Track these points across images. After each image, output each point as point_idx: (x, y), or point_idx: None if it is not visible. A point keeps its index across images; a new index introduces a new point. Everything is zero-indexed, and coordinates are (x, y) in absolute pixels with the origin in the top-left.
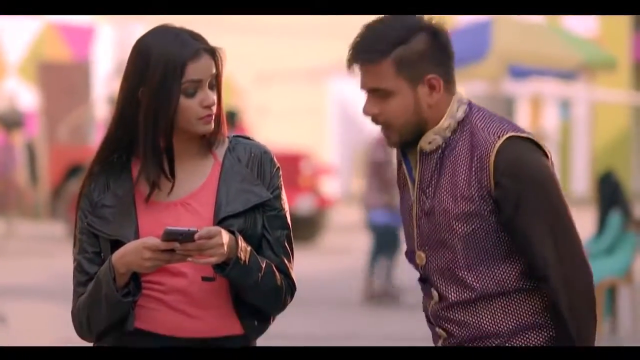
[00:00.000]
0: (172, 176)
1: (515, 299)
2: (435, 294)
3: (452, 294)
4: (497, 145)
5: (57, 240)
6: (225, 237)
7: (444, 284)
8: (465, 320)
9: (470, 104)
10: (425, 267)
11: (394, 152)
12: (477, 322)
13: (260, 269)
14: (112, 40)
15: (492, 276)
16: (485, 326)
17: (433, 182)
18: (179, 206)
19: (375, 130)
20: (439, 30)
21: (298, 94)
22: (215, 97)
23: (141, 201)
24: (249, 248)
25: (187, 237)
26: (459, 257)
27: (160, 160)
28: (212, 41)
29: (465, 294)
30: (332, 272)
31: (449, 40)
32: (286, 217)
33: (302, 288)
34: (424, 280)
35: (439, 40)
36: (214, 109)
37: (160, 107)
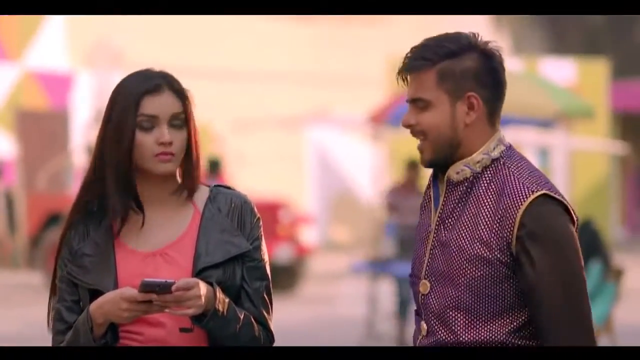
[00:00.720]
0: (140, 209)
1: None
2: (424, 327)
3: (442, 333)
4: (528, 200)
5: (35, 289)
6: (203, 288)
7: (436, 320)
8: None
9: (509, 147)
10: (426, 297)
11: (405, 198)
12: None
13: (239, 321)
14: (91, 88)
15: (486, 325)
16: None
17: (455, 215)
18: (158, 256)
19: (351, 178)
20: (493, 54)
21: (276, 142)
22: (178, 137)
23: (121, 250)
24: (227, 300)
25: (164, 288)
26: (460, 298)
27: (125, 196)
28: (188, 87)
29: (455, 336)
30: (312, 322)
31: (500, 66)
32: (265, 268)
33: (281, 338)
34: (418, 313)
35: (489, 63)
36: (173, 148)
37: (118, 141)
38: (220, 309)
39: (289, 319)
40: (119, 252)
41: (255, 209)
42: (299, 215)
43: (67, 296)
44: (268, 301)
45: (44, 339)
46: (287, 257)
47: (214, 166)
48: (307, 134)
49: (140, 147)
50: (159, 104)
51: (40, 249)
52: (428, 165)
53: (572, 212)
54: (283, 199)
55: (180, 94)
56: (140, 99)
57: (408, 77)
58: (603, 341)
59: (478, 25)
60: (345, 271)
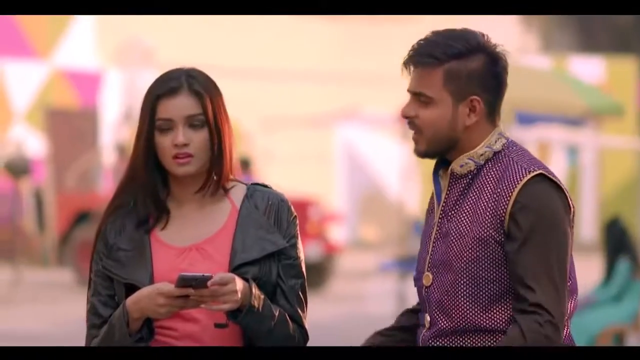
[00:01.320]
0: (165, 210)
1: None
2: (427, 319)
3: (443, 321)
4: (526, 178)
5: (65, 287)
6: (239, 284)
7: (437, 310)
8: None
9: (510, 140)
10: (429, 289)
11: None
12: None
13: (274, 317)
14: (120, 86)
15: (485, 312)
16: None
17: (457, 206)
18: (194, 251)
19: (380, 177)
20: (499, 58)
21: (304, 140)
22: (197, 137)
23: (156, 245)
24: (262, 296)
25: (200, 283)
26: (459, 282)
27: (150, 194)
28: (219, 86)
29: (455, 324)
30: (341, 320)
31: (505, 69)
32: (301, 266)
33: (312, 335)
34: (422, 307)
35: (495, 67)
36: (192, 149)
37: (138, 140)
38: (256, 305)
39: (318, 317)
40: (154, 247)
41: (292, 208)
42: (328, 214)
43: (103, 290)
44: (303, 299)
45: (73, 336)
46: (316, 255)
47: (244, 165)
48: (336, 132)
49: (161, 149)
50: (173, 107)
51: (70, 247)
52: (421, 155)
53: (568, 197)
54: (312, 197)
55: (198, 95)
56: (156, 103)
57: (412, 67)
58: (632, 339)
59: (507, 24)
60: (374, 269)
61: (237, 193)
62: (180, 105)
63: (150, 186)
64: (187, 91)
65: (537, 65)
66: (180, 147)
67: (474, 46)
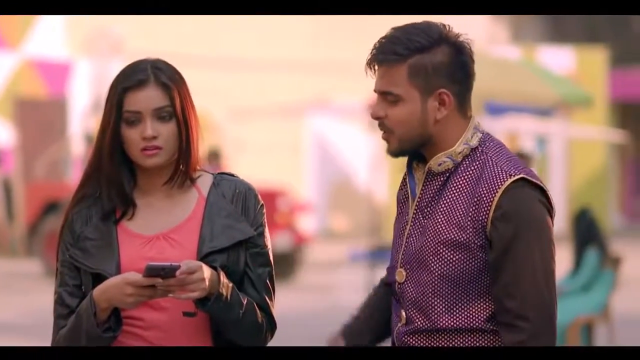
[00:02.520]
0: (126, 205)
1: (481, 339)
2: (403, 315)
3: (420, 320)
4: (506, 183)
5: (34, 277)
6: (207, 272)
7: (413, 308)
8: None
9: (485, 134)
10: (402, 285)
11: None
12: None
13: (242, 306)
14: (89, 76)
15: (463, 311)
16: None
17: (433, 203)
18: (162, 240)
19: (350, 166)
20: (463, 47)
21: (274, 130)
22: (165, 129)
23: (123, 234)
24: (230, 284)
25: (169, 272)
26: (436, 283)
27: (113, 187)
28: (187, 76)
29: (432, 323)
30: (311, 310)
31: (471, 58)
32: (269, 255)
33: (282, 326)
34: (397, 300)
35: (460, 57)
36: (160, 141)
37: (104, 131)
38: (224, 292)
39: (288, 307)
40: (121, 236)
41: (259, 196)
42: (298, 204)
43: (69, 280)
44: (271, 288)
45: (42, 326)
46: (285, 245)
47: (214, 156)
48: (306, 122)
49: (128, 142)
50: (141, 99)
51: (39, 237)
52: (394, 156)
53: (549, 198)
54: (282, 187)
55: (166, 87)
56: (124, 95)
57: (376, 67)
58: (601, 330)
59: (476, 15)
60: (344, 259)
61: (204, 182)
62: (148, 98)
63: (116, 179)
64: (154, 83)
65: (506, 56)
66: (149, 139)
67: (436, 38)
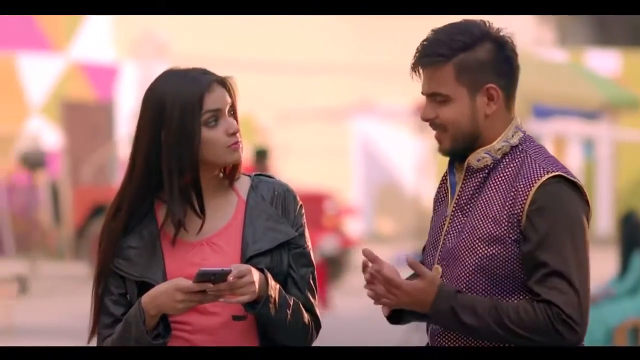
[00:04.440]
0: (203, 213)
1: None
2: None
3: None
4: (543, 179)
5: (81, 280)
6: (256, 275)
7: None
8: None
9: (526, 134)
10: None
11: None
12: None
13: (289, 307)
14: (136, 79)
15: None
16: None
17: (472, 201)
18: (205, 245)
19: (396, 170)
20: (505, 42)
21: (320, 133)
22: (238, 126)
23: (166, 242)
24: (278, 286)
25: (220, 277)
26: (470, 277)
27: (188, 198)
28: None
29: None
30: (358, 313)
31: (514, 52)
32: (310, 255)
33: (330, 329)
34: None
35: (504, 52)
36: (239, 136)
37: (184, 145)
38: (273, 294)
39: (335, 310)
40: (165, 243)
41: (297, 197)
42: (344, 207)
43: (114, 289)
44: (314, 287)
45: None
46: (332, 249)
47: (262, 155)
48: (352, 126)
49: (212, 143)
50: (218, 99)
51: (86, 240)
52: (447, 154)
53: (586, 197)
54: (328, 191)
55: (226, 85)
56: (202, 98)
57: (421, 70)
58: None
59: (522, 17)
60: (390, 263)
61: (242, 185)
62: (222, 96)
63: (197, 186)
64: (218, 83)
65: (553, 59)
66: (234, 135)
67: (478, 35)
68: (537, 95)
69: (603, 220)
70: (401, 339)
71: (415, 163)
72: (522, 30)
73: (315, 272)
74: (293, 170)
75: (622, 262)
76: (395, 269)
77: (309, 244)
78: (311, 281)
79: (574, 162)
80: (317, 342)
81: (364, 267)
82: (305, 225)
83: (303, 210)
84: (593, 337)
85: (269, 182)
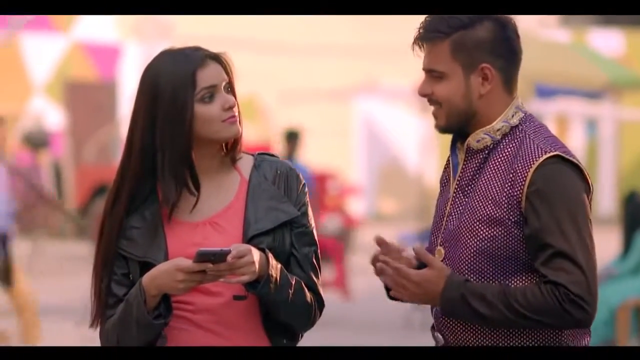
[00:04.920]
0: (197, 190)
1: None
2: None
3: None
4: (541, 159)
5: (84, 259)
6: (256, 255)
7: None
8: (462, 329)
9: (527, 114)
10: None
11: None
12: (472, 334)
13: (291, 286)
14: (139, 59)
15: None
16: (480, 339)
17: (473, 181)
18: (207, 225)
19: (399, 150)
20: (507, 22)
21: (324, 114)
22: (235, 101)
23: (168, 222)
24: (279, 265)
25: (219, 257)
26: (471, 259)
27: (181, 176)
28: (236, 60)
29: None
30: (360, 293)
31: (515, 34)
32: (313, 234)
33: (332, 310)
34: None
35: (503, 32)
36: (236, 110)
37: (175, 121)
38: (274, 274)
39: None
40: (166, 223)
41: (300, 176)
42: (347, 187)
43: (117, 269)
44: (317, 266)
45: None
46: (335, 228)
47: (293, 137)
48: (355, 106)
49: (208, 119)
50: (212, 75)
51: (89, 219)
52: (441, 131)
53: (587, 176)
54: (331, 170)
55: (221, 62)
56: (195, 74)
57: (424, 45)
58: None
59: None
60: (394, 242)
61: (245, 164)
62: (217, 72)
63: (190, 164)
64: (213, 60)
65: (556, 39)
66: (229, 109)
67: (479, 15)
68: (539, 75)
69: (605, 200)
70: (403, 317)
71: (418, 143)
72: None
73: (319, 250)
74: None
75: (625, 242)
76: (408, 260)
77: (312, 222)
78: (314, 260)
79: (576, 142)
80: (323, 323)
81: (374, 260)
82: (308, 204)
83: (306, 189)
84: (596, 317)
85: (272, 161)
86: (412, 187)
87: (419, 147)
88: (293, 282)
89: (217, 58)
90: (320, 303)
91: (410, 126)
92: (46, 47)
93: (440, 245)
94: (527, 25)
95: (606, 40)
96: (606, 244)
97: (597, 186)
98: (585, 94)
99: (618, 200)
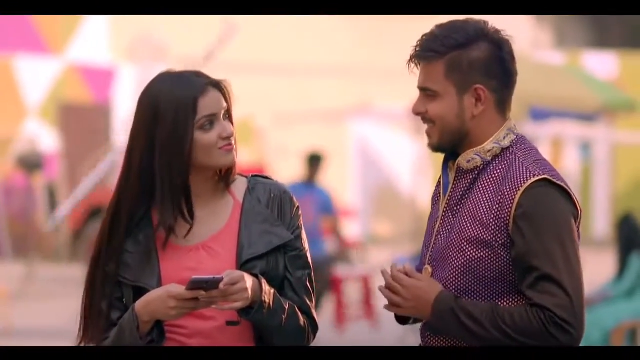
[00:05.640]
0: (191, 218)
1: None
2: None
3: None
4: (529, 182)
5: (78, 282)
6: (249, 281)
7: None
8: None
9: (519, 136)
10: None
11: None
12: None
13: (284, 311)
14: (133, 81)
15: None
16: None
17: (462, 201)
18: (201, 250)
19: (393, 172)
20: (503, 44)
21: (318, 135)
22: (232, 129)
23: (162, 246)
24: (272, 290)
25: (212, 285)
26: (458, 279)
27: (178, 202)
28: (231, 81)
29: None
30: (355, 315)
31: (511, 55)
32: (307, 257)
33: (327, 331)
34: None
35: (498, 53)
36: (233, 140)
37: (175, 147)
38: (267, 300)
39: (333, 312)
40: (160, 248)
41: (295, 199)
42: (341, 209)
43: (110, 293)
44: (311, 289)
45: None
46: (330, 251)
47: (315, 160)
48: (349, 128)
49: (202, 147)
50: (213, 103)
51: (83, 242)
52: (434, 149)
53: (575, 200)
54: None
55: (221, 89)
56: (196, 102)
57: (419, 65)
58: None
59: (520, 20)
60: (387, 265)
61: (239, 187)
62: (217, 99)
63: (186, 190)
64: (213, 86)
65: (550, 61)
66: (227, 138)
67: (474, 35)
68: (534, 97)
69: (600, 222)
70: (397, 339)
71: (413, 165)
72: (519, 32)
73: (312, 273)
74: (290, 172)
75: (620, 265)
76: (407, 269)
77: (306, 245)
78: (308, 283)
79: (571, 165)
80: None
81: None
82: (302, 227)
83: (300, 212)
84: (590, 339)
85: (265, 183)
86: (406, 210)
87: (414, 169)
88: (286, 307)
89: (217, 85)
90: (314, 327)
91: (405, 148)
92: (40, 69)
93: (428, 264)
94: (521, 46)
95: (600, 62)
96: (600, 266)
97: (591, 208)
98: (580, 117)
99: (612, 223)
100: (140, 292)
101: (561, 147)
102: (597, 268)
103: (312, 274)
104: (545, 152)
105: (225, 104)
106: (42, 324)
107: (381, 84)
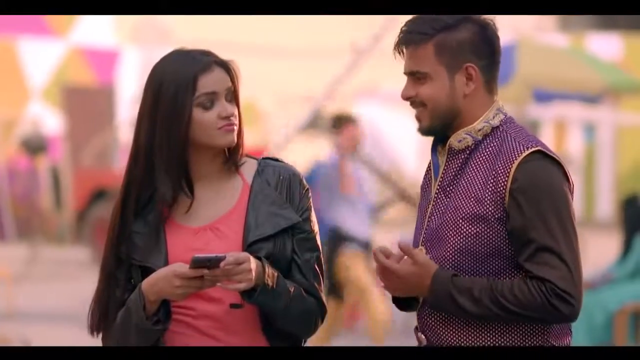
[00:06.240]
0: (191, 192)
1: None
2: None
3: None
4: (523, 156)
5: (82, 264)
6: (253, 263)
7: None
8: (442, 329)
9: (508, 116)
10: None
11: None
12: (454, 334)
13: (289, 294)
14: (137, 63)
15: None
16: (463, 340)
17: (454, 182)
18: (208, 231)
19: (398, 154)
20: (488, 24)
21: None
22: (234, 110)
23: (170, 226)
24: (276, 273)
25: (214, 263)
26: (455, 257)
27: (176, 177)
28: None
29: None
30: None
31: (495, 35)
32: (316, 239)
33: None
34: None
35: (485, 33)
36: (234, 119)
37: (173, 122)
38: (270, 283)
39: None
40: (168, 228)
41: (304, 181)
42: None
43: (119, 274)
44: (319, 272)
45: None
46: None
47: (340, 121)
48: (355, 110)
49: (201, 125)
50: (214, 81)
51: (87, 224)
52: (425, 133)
53: (567, 172)
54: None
55: (228, 69)
56: (196, 79)
57: (404, 50)
58: None
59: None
60: (394, 246)
61: (248, 169)
62: (220, 79)
63: (183, 167)
64: (219, 66)
65: (554, 43)
66: (227, 118)
67: (460, 17)
68: (537, 79)
69: (604, 204)
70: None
71: (418, 147)
72: (523, 15)
73: (321, 255)
74: (295, 155)
75: (625, 246)
76: (397, 256)
77: (315, 228)
78: (316, 266)
79: (575, 147)
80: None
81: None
82: (312, 209)
83: (309, 195)
84: (593, 321)
85: (275, 166)
86: (411, 191)
87: (418, 151)
88: (292, 290)
89: (224, 65)
90: (322, 309)
91: (410, 131)
92: (44, 52)
93: (422, 244)
94: (525, 29)
95: (604, 44)
96: (604, 248)
97: (595, 190)
98: (584, 99)
99: (616, 205)
100: (147, 272)
101: (565, 129)
102: (601, 250)
103: (321, 256)
104: (549, 134)
105: (229, 84)
106: (45, 305)
107: (386, 66)
